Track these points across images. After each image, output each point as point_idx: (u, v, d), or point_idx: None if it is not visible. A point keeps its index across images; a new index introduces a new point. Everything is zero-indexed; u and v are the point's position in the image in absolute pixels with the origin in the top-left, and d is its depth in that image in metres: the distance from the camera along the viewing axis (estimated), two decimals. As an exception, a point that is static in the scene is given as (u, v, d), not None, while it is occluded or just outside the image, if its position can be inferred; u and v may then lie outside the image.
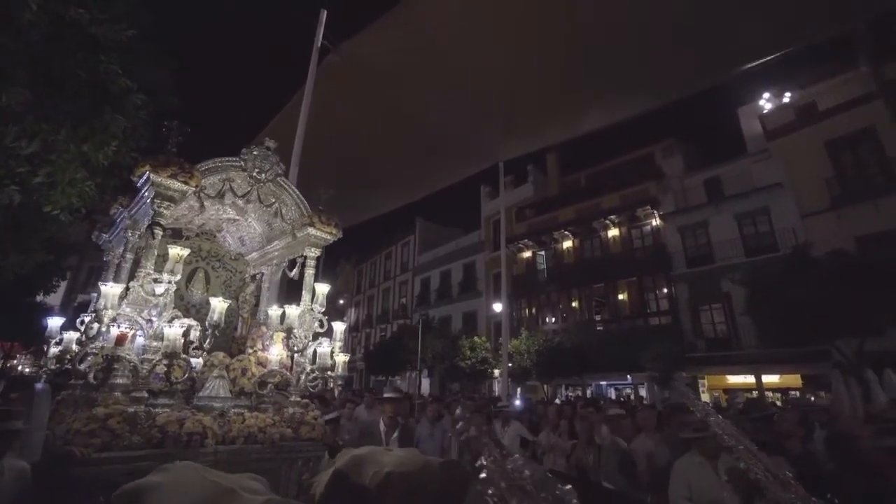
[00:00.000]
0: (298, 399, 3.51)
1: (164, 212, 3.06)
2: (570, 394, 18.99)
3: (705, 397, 15.91)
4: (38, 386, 2.03)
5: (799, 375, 14.38)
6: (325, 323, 3.69)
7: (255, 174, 3.66)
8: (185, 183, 3.04)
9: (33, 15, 2.90)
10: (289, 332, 3.47)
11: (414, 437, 5.12)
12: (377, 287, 35.61)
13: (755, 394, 15.26)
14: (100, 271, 4.20)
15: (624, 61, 8.29)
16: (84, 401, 2.81)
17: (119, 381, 2.67)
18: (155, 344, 2.81)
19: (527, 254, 24.13)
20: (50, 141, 3.32)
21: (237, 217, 4.22)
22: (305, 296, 3.82)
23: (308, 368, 3.49)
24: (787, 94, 18.14)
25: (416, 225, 32.57)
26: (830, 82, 16.40)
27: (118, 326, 2.71)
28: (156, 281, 2.95)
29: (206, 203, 3.66)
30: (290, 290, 4.63)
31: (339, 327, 3.79)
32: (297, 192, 4.01)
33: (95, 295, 3.91)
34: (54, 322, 3.71)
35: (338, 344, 3.69)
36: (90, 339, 2.76)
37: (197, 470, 1.55)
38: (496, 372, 19.95)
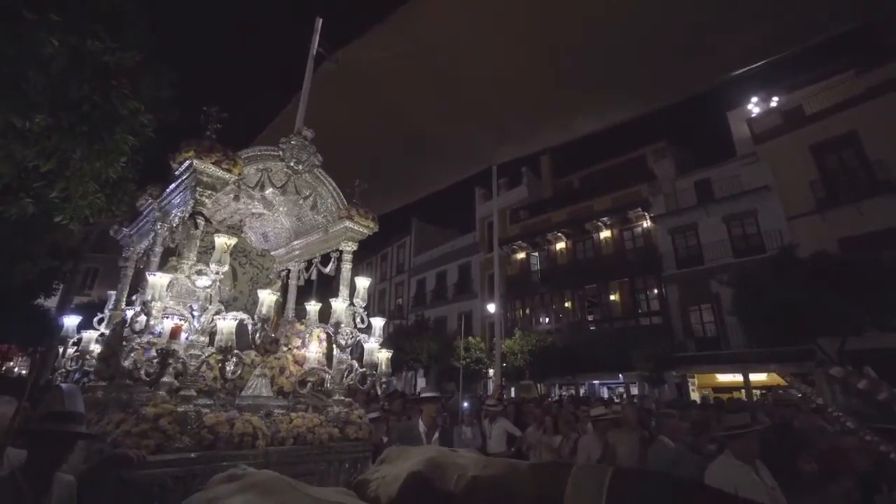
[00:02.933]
0: (342, 398, 3.37)
1: (206, 200, 2.91)
2: (564, 393, 19.26)
3: (694, 396, 16.22)
4: (65, 386, 1.91)
5: (785, 374, 14.67)
6: (366, 318, 3.54)
7: (292, 164, 3.53)
8: (229, 171, 2.91)
9: (54, 49, 3.06)
10: (336, 327, 3.31)
11: (452, 439, 5.08)
12: (374, 288, 35.78)
13: (743, 392, 15.60)
14: (96, 274, 4.27)
15: (617, 66, 8.49)
16: (114, 402, 2.70)
17: (163, 378, 2.54)
18: (202, 339, 2.64)
19: (521, 255, 24.40)
20: (65, 159, 3.50)
21: (264, 211, 4.10)
22: (343, 291, 3.65)
23: (356, 366, 3.34)
24: (775, 99, 18.52)
25: (412, 226, 32.76)
26: (816, 87, 16.75)
27: (172, 318, 2.56)
28: (200, 272, 2.78)
29: (241, 194, 3.54)
30: (306, 289, 4.56)
31: (378, 323, 3.59)
32: (334, 185, 3.88)
33: (113, 294, 3.78)
34: (71, 321, 3.64)
35: (379, 340, 3.53)
36: (136, 333, 2.59)
37: (287, 483, 1.46)
38: (490, 372, 20.20)
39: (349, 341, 3.36)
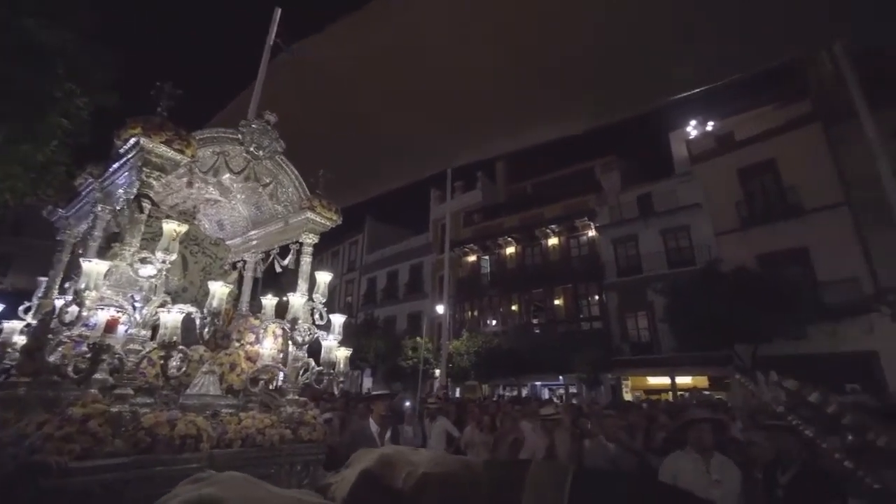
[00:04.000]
0: (296, 398, 3.20)
1: (154, 182, 2.69)
2: (507, 393, 19.78)
3: (628, 397, 17.18)
4: None
5: (706, 377, 15.92)
6: (325, 315, 3.39)
7: (252, 149, 3.32)
8: (181, 152, 2.69)
9: None
10: (293, 323, 3.17)
11: (401, 438, 5.04)
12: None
13: (670, 394, 16.71)
14: (11, 259, 3.88)
15: (572, 82, 8.92)
16: (37, 401, 2.47)
17: (96, 375, 2.31)
18: (143, 333, 2.45)
19: (472, 258, 24.81)
20: None
21: (220, 198, 3.84)
22: (302, 285, 3.51)
23: (313, 364, 3.21)
24: (711, 123, 20.03)
25: (366, 224, 32.40)
26: (746, 116, 18.29)
27: (108, 310, 2.32)
28: (143, 261, 2.56)
29: (194, 179, 3.30)
30: (266, 281, 4.35)
31: (338, 320, 3.45)
32: (297, 173, 3.68)
33: (45, 281, 3.43)
34: None
35: (338, 338, 3.40)
36: (66, 325, 2.35)
37: (252, 482, 1.42)
38: (437, 372, 20.39)
39: (306, 338, 3.22)
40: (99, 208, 3.23)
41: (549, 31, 7.55)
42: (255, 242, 4.22)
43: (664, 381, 17.25)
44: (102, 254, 3.09)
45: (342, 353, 3.40)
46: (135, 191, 2.73)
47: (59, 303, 2.77)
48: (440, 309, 18.30)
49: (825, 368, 11.71)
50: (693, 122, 20.61)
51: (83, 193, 3.40)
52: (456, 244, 23.29)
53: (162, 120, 2.66)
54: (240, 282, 4.29)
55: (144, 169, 2.65)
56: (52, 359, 2.39)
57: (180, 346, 2.51)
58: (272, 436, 2.84)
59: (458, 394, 18.45)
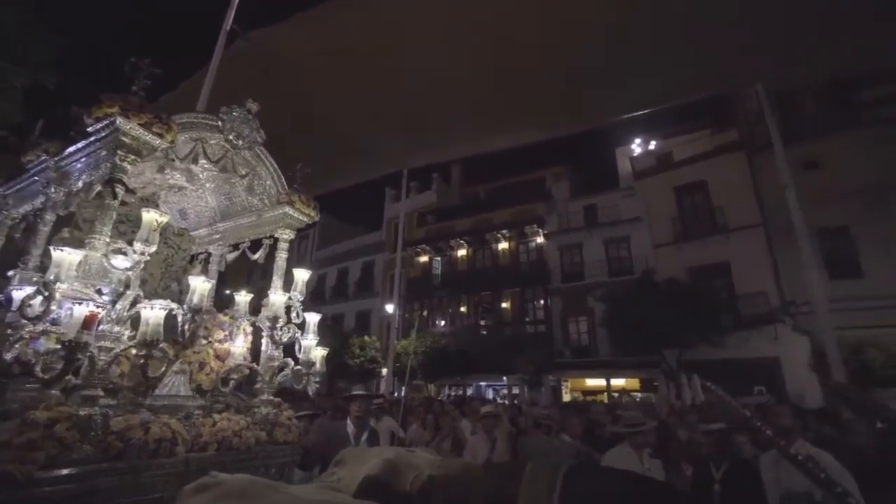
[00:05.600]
0: (271, 398, 3.10)
1: (128, 167, 2.51)
2: (453, 393, 20.13)
3: (566, 398, 18.03)
4: None
5: (638, 379, 17.06)
6: (301, 313, 3.34)
7: (231, 138, 3.16)
8: (160, 136, 2.52)
9: None
10: (273, 321, 3.08)
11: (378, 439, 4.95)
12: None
13: (605, 395, 17.73)
14: None
15: (527, 95, 9.30)
16: None
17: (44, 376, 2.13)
18: (117, 329, 2.31)
19: (424, 258, 25.00)
20: None
21: (186, 185, 3.60)
22: (277, 281, 3.42)
23: (291, 363, 3.11)
24: (653, 143, 21.49)
25: (318, 219, 31.62)
26: (684, 138, 19.81)
27: (88, 305, 2.09)
28: (117, 251, 2.40)
29: (167, 165, 3.10)
30: (228, 277, 4.18)
31: (313, 318, 3.35)
32: (276, 167, 3.54)
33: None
34: None
35: (316, 337, 3.33)
36: (30, 320, 2.19)
37: (265, 485, 1.38)
38: (384, 371, 20.39)
39: (283, 338, 3.12)
40: (52, 189, 2.96)
41: (507, 46, 7.87)
42: (222, 234, 4.04)
43: (601, 382, 18.27)
44: (50, 239, 2.93)
45: (319, 353, 3.33)
46: (101, 174, 2.58)
47: (18, 294, 2.52)
48: (390, 308, 18.34)
49: (738, 372, 13.12)
50: (637, 141, 21.99)
51: (31, 171, 3.13)
52: (409, 244, 23.38)
53: (141, 100, 2.48)
54: (204, 275, 4.14)
55: (119, 152, 2.47)
56: (7, 357, 2.19)
57: (161, 345, 2.37)
58: (248, 438, 2.72)
59: (403, 393, 18.53)
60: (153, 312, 2.27)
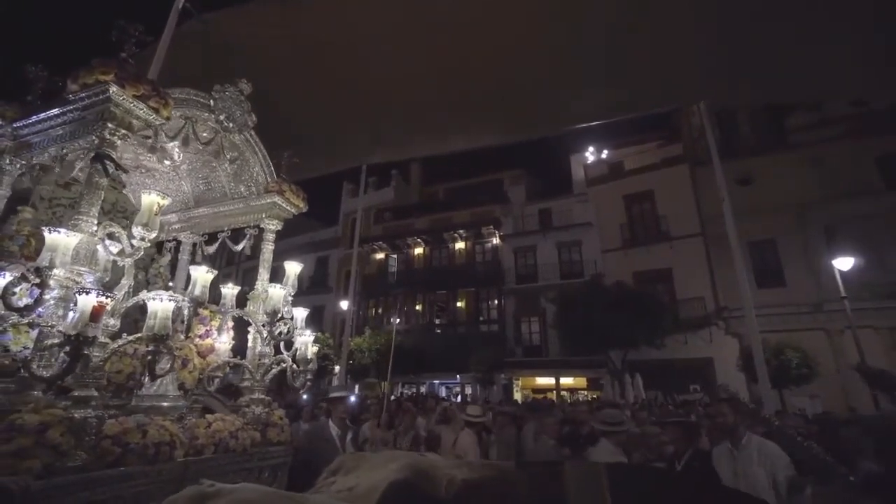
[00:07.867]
0: (262, 397, 2.96)
1: (117, 142, 2.25)
2: (406, 391, 20.09)
3: (518, 396, 18.48)
4: None
5: (585, 378, 17.78)
6: (290, 308, 3.19)
7: (222, 119, 2.96)
8: (156, 111, 2.29)
9: None
10: (273, 316, 2.91)
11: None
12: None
13: (554, 393, 18.33)
14: None
15: (487, 99, 9.44)
16: None
17: (43, 373, 1.91)
18: (112, 323, 2.11)
19: (380, 255, 24.78)
20: None
21: (157, 165, 3.28)
22: (263, 274, 3.28)
23: (289, 361, 2.97)
24: (605, 152, 22.45)
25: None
26: (635, 149, 20.89)
27: (96, 294, 1.84)
28: (111, 237, 2.17)
29: (141, 144, 2.79)
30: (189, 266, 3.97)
31: (300, 314, 3.20)
32: (265, 153, 3.35)
33: None
34: None
35: (311, 335, 3.20)
36: (20, 311, 1.94)
37: (282, 496, 1.26)
38: (336, 368, 20.03)
39: (281, 333, 2.99)
40: (8, 161, 2.63)
41: (464, 51, 7.96)
42: (196, 222, 3.77)
43: (550, 381, 18.88)
44: (5, 219, 2.62)
45: (312, 350, 3.20)
46: (78, 147, 2.32)
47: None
48: (344, 304, 18.03)
49: (676, 372, 14.05)
50: (591, 149, 22.91)
51: None
52: (365, 241, 23.08)
53: (137, 70, 2.25)
54: (172, 266, 3.82)
55: (109, 125, 2.21)
56: None
57: (168, 341, 2.13)
58: (244, 439, 2.58)
59: (356, 390, 18.28)
60: (161, 304, 2.03)
